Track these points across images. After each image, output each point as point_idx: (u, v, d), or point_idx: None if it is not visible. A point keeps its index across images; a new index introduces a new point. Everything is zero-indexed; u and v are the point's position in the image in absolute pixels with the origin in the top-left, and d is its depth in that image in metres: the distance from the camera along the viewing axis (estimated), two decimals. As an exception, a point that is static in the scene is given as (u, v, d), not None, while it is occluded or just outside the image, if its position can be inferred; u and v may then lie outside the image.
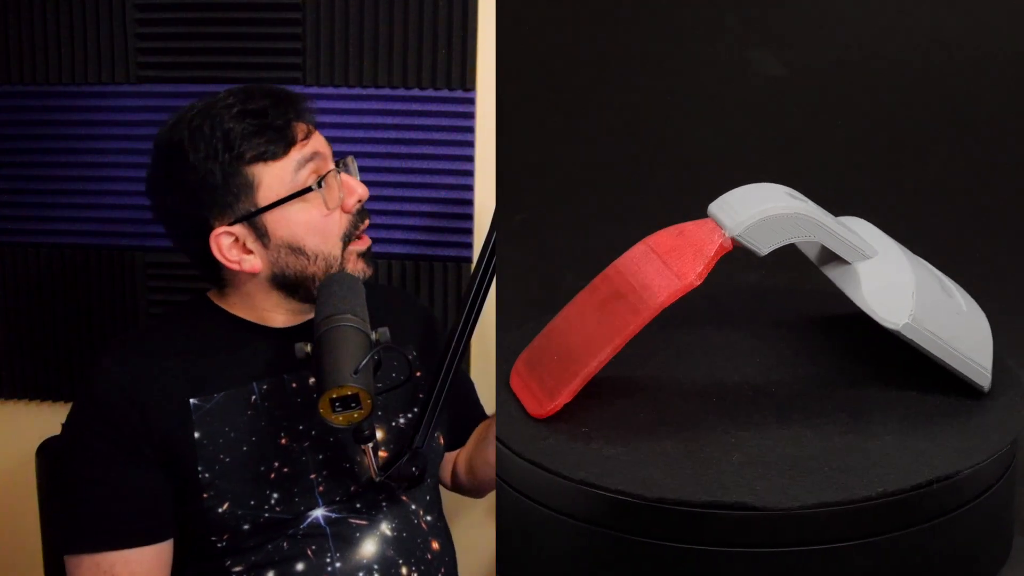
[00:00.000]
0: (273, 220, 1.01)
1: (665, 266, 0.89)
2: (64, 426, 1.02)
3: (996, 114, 1.39)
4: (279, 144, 1.00)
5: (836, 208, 0.95)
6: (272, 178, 1.00)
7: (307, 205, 1.01)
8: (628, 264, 0.92)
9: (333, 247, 1.03)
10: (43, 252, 1.42)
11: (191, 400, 0.99)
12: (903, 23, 1.43)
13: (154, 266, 1.41)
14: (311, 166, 1.02)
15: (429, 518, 1.09)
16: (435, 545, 1.07)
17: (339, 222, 1.04)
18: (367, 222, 1.07)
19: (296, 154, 1.01)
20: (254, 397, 1.02)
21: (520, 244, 1.16)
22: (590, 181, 1.34)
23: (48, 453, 1.20)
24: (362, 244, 1.06)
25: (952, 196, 1.35)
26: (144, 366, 1.00)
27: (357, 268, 1.05)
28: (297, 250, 1.02)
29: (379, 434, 1.04)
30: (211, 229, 1.01)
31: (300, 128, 1.02)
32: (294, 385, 1.04)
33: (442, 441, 1.15)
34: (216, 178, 0.99)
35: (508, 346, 1.04)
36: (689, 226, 0.91)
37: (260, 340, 1.06)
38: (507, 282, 1.06)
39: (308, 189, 1.00)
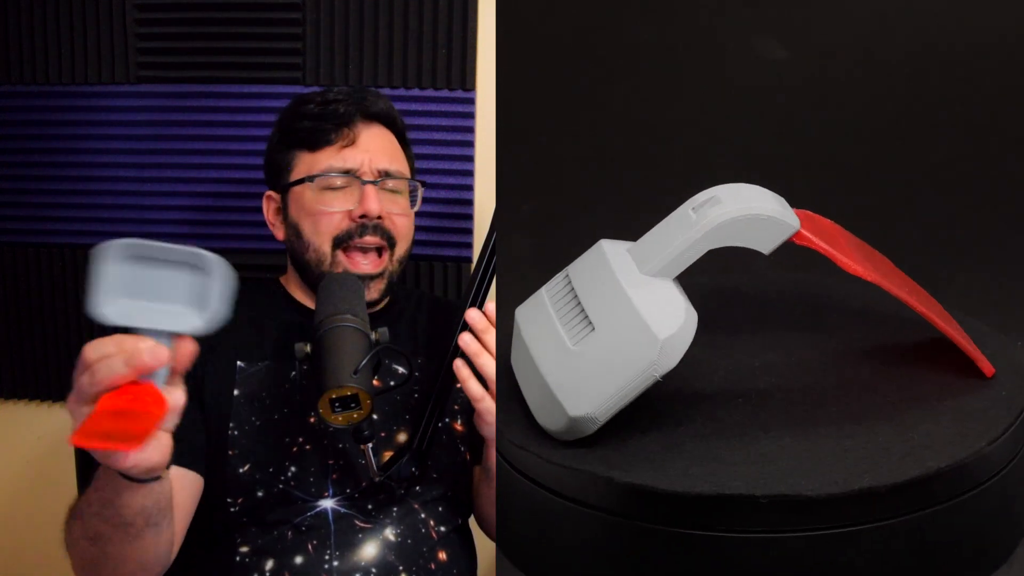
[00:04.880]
0: (291, 198, 1.09)
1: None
2: None
3: (1009, 98, 1.36)
4: (314, 140, 1.08)
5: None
6: (303, 165, 1.09)
7: (313, 194, 1.07)
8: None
9: (323, 242, 1.07)
10: (43, 252, 1.42)
11: (239, 363, 1.05)
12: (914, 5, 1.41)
13: (154, 266, 1.40)
14: (343, 176, 1.07)
15: (442, 528, 1.07)
16: (442, 556, 1.06)
17: (336, 222, 1.06)
18: (370, 239, 1.06)
19: (333, 157, 1.07)
20: (294, 373, 1.05)
21: (520, 244, 1.16)
22: (591, 180, 1.34)
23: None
24: (354, 260, 1.07)
25: (956, 181, 1.33)
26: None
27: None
28: (297, 232, 1.08)
29: (403, 437, 1.06)
30: (269, 187, 1.13)
31: (346, 135, 1.08)
32: None
33: (468, 456, 1.13)
34: (274, 143, 1.12)
35: (507, 344, 1.03)
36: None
37: (309, 322, 1.08)
38: (507, 281, 1.06)
39: (302, 180, 1.08)
